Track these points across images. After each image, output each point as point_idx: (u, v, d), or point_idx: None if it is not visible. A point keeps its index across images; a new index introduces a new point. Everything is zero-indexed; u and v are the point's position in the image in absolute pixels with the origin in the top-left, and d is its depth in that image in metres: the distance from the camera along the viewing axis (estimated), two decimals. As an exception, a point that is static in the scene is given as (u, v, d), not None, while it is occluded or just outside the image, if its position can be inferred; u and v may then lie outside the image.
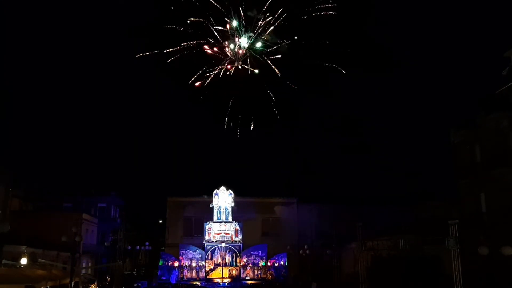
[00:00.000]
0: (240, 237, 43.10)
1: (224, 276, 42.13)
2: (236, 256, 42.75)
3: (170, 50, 31.09)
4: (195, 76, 31.44)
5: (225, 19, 29.72)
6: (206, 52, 30.84)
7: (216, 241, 42.83)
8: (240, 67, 30.69)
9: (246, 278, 42.27)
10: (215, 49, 30.83)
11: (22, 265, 23.44)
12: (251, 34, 29.98)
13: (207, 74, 31.41)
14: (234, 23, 29.34)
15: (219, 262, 42.65)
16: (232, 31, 29.76)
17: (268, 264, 42.79)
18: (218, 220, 43.60)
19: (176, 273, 41.95)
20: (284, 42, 30.34)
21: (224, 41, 30.45)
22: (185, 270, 42.44)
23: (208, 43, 30.76)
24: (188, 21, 30.29)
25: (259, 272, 42.71)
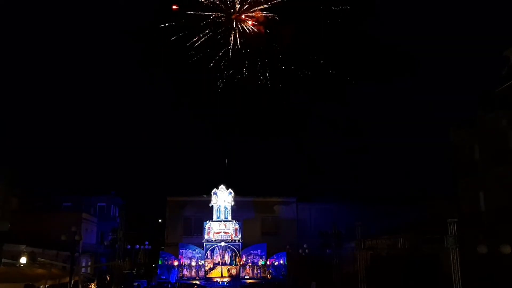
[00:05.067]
0: (239, 236, 43.14)
1: (223, 275, 42.15)
2: (236, 255, 42.78)
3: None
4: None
5: None
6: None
7: (215, 240, 42.86)
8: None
9: (246, 277, 42.30)
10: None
11: (22, 264, 23.44)
12: None
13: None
14: None
15: (219, 261, 42.68)
16: None
17: (268, 263, 42.81)
18: (217, 219, 43.63)
19: (176, 272, 41.98)
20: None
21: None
22: (185, 269, 42.46)
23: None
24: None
25: (258, 271, 42.73)
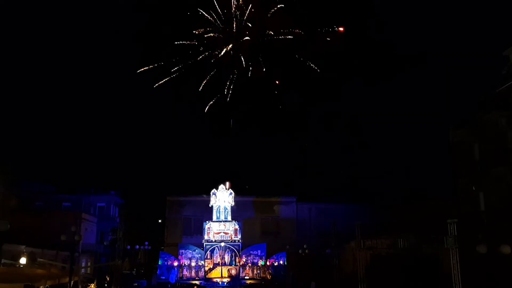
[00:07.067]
0: (239, 236, 43.10)
1: (223, 276, 42.11)
2: (235, 256, 42.75)
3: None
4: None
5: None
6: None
7: (215, 241, 42.82)
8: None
9: (245, 277, 42.27)
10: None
11: (22, 264, 23.48)
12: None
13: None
14: None
15: (218, 262, 42.64)
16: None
17: (267, 263, 42.78)
18: (217, 220, 43.57)
19: (175, 273, 41.94)
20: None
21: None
22: (184, 270, 42.42)
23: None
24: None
25: (258, 271, 42.71)
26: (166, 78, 32.53)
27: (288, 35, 31.64)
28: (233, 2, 30.45)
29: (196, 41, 31.28)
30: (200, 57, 31.90)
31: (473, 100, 31.63)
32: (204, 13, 30.83)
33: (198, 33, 31.51)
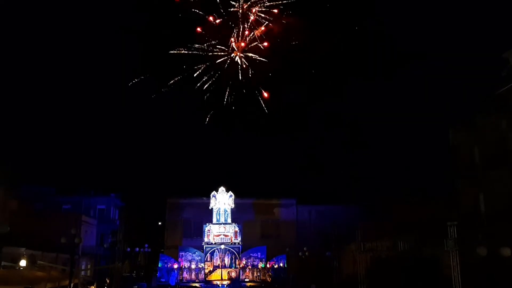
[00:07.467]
0: (239, 239, 43.08)
1: (223, 278, 42.11)
2: (236, 258, 42.74)
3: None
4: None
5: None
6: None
7: (215, 243, 42.81)
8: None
9: (245, 280, 42.27)
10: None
11: (21, 266, 23.48)
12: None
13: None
14: None
15: (218, 264, 42.65)
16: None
17: (268, 266, 42.76)
18: (217, 222, 43.55)
19: (175, 275, 41.94)
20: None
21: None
22: (184, 272, 42.43)
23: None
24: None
25: (258, 274, 42.71)
26: (165, 87, 32.57)
27: (293, 39, 31.68)
28: (238, 6, 30.47)
29: (198, 49, 31.29)
30: (202, 66, 31.90)
31: (473, 101, 31.67)
32: (206, 15, 30.84)
33: (201, 39, 31.54)
